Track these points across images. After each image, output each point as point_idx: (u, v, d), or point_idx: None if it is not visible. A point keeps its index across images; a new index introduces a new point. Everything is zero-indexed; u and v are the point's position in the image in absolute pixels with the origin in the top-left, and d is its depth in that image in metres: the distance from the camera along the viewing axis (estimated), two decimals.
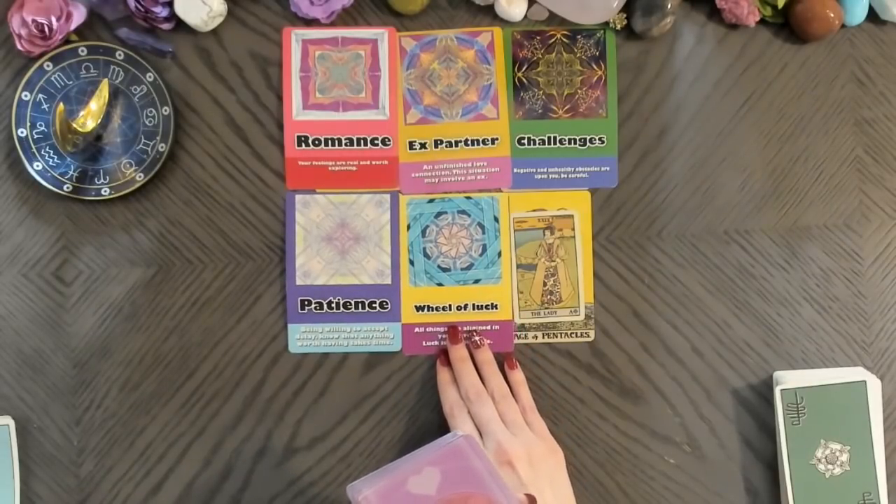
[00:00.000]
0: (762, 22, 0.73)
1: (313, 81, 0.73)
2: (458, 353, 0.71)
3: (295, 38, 0.73)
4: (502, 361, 0.72)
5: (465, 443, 0.54)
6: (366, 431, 0.73)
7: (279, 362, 0.72)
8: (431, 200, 0.73)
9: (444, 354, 0.72)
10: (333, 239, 0.73)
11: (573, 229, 0.73)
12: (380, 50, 0.73)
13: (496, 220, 0.73)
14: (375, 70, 0.73)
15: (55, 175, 0.70)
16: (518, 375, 0.72)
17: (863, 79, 0.74)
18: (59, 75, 0.70)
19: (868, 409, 0.70)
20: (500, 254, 0.73)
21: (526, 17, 0.73)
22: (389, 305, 0.73)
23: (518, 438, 0.66)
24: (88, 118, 0.69)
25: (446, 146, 0.73)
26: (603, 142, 0.73)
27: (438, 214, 0.73)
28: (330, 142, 0.73)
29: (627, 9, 0.72)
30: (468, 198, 0.73)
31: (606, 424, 0.73)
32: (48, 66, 0.70)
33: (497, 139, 0.73)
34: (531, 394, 0.71)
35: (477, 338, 0.72)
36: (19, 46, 0.70)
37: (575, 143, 0.73)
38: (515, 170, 0.73)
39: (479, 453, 0.54)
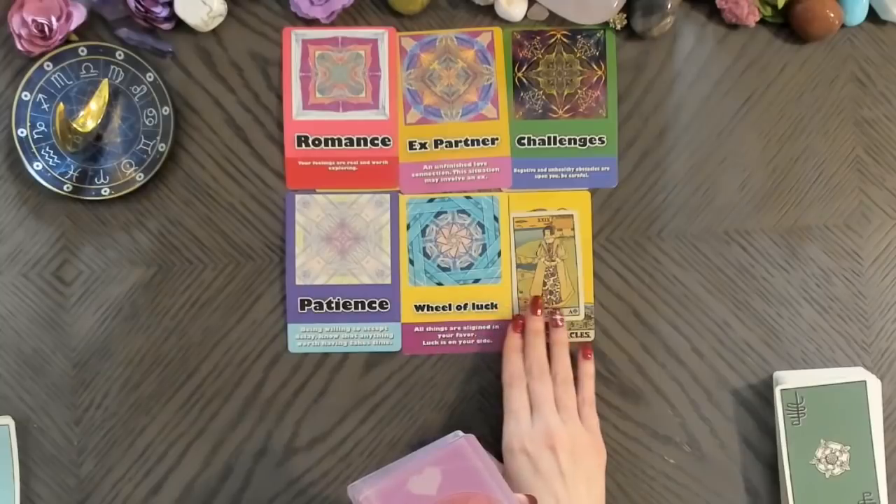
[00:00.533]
0: (762, 22, 0.73)
1: (313, 81, 0.73)
2: (535, 324, 0.70)
3: (295, 38, 0.73)
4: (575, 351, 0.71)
5: (466, 443, 0.54)
6: (366, 431, 0.73)
7: (279, 362, 0.72)
8: (431, 200, 0.73)
9: (518, 321, 0.71)
10: (333, 239, 0.73)
11: (573, 229, 0.73)
12: (380, 50, 0.73)
13: (496, 219, 0.73)
14: (375, 70, 0.73)
15: (55, 175, 0.70)
16: (589, 367, 0.70)
17: (863, 79, 0.74)
18: (59, 75, 0.70)
19: (868, 409, 0.70)
20: (499, 253, 0.73)
21: (526, 17, 0.73)
22: (389, 305, 0.73)
23: (567, 427, 0.66)
24: (88, 118, 0.69)
25: (446, 146, 0.73)
26: (603, 142, 0.73)
27: (438, 214, 0.73)
28: (330, 142, 0.73)
29: (627, 9, 0.72)
30: (468, 197, 0.73)
31: (606, 424, 0.73)
32: (48, 66, 0.70)
33: (497, 139, 0.73)
34: None
35: (558, 316, 0.71)
36: (19, 46, 0.70)
37: (575, 143, 0.73)
38: (515, 170, 0.73)
39: (480, 453, 0.54)
